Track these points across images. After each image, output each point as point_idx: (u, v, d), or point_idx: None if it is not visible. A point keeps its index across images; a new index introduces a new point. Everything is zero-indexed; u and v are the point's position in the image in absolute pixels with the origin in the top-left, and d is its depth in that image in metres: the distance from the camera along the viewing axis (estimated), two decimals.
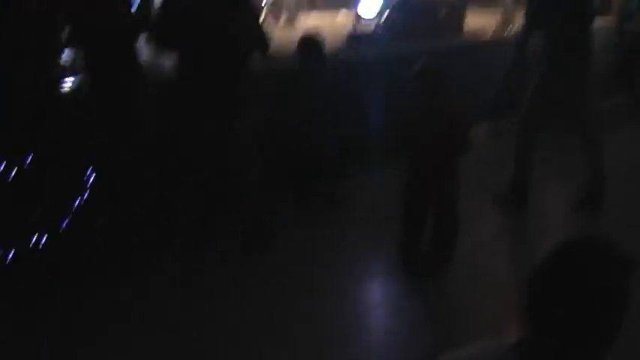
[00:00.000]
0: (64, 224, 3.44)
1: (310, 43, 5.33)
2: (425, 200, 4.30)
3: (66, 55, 4.39)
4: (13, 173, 3.51)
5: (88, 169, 3.47)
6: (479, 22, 9.17)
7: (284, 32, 9.28)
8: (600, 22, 6.26)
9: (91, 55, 4.46)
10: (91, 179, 3.42)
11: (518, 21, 6.98)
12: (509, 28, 8.61)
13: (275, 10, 10.54)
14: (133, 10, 4.64)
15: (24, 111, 3.76)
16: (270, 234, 4.69)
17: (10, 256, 3.63)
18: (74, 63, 4.59)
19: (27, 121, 3.69)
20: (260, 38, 4.60)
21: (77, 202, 3.53)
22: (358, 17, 7.30)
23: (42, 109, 3.91)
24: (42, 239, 3.49)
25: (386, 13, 7.81)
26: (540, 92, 5.00)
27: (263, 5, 10.13)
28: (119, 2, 4.54)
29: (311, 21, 10.38)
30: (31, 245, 3.50)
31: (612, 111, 7.09)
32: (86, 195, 3.38)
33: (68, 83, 4.35)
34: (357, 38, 6.76)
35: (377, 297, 4.21)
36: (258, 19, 4.54)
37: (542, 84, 4.97)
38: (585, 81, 4.98)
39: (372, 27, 7.32)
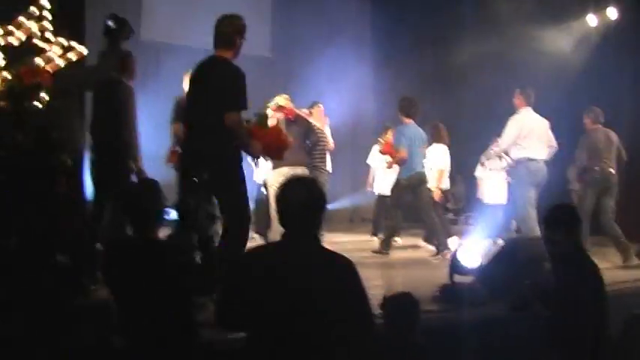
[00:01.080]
0: None
1: (400, 304, 4.34)
2: None
3: None
4: None
5: None
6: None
7: None
8: None
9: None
10: None
11: None
12: None
13: None
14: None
15: None
16: None
17: None
18: None
19: None
20: (361, 316, 3.28)
21: None
22: (455, 265, 6.06)
23: None
24: None
25: (480, 263, 6.53)
26: None
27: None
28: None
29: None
30: None
31: None
32: None
33: None
34: (453, 291, 5.48)
35: None
36: (356, 284, 3.28)
37: None
38: None
39: (471, 278, 6.04)
